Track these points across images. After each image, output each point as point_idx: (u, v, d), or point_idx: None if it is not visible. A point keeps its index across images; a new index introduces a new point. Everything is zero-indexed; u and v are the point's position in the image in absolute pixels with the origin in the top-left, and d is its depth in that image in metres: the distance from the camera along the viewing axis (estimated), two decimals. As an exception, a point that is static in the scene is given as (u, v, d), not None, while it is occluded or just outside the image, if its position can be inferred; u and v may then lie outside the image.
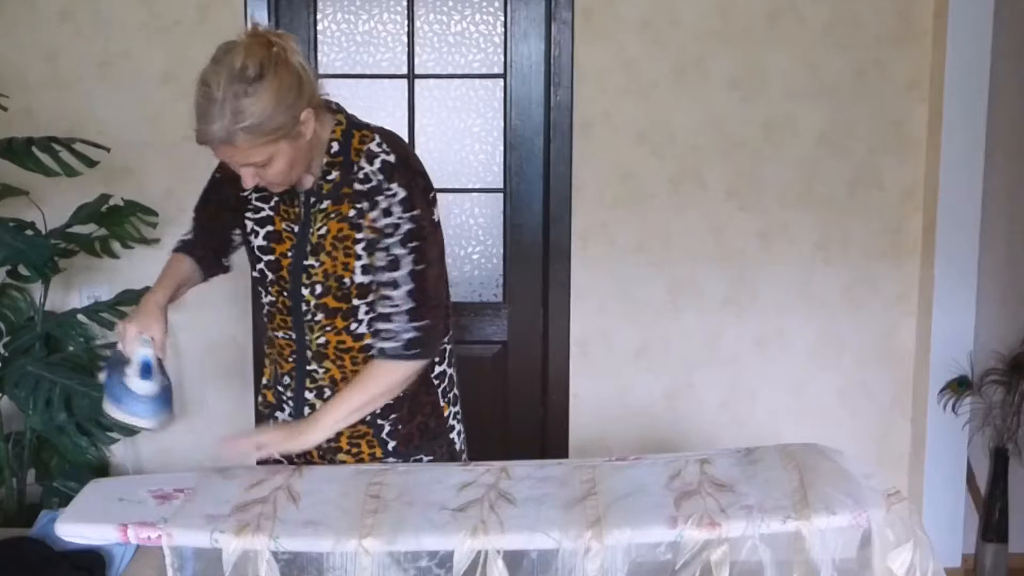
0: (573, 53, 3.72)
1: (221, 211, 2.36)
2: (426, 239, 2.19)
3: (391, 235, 2.17)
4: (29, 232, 3.32)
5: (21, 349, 3.45)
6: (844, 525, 1.94)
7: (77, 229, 3.45)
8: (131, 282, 3.59)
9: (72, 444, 3.41)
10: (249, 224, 2.31)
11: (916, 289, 3.93)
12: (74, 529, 1.95)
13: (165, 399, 2.20)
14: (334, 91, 3.76)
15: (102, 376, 2.23)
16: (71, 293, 3.71)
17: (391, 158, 2.19)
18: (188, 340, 3.77)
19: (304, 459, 2.32)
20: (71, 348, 3.55)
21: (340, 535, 1.88)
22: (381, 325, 2.19)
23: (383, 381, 2.22)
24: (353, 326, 2.25)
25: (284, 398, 2.37)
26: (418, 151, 3.79)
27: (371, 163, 2.18)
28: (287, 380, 2.34)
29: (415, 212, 2.18)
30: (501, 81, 3.81)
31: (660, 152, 3.80)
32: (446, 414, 2.43)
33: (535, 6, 3.73)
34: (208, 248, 2.40)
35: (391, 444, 2.34)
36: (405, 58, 3.79)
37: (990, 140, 3.80)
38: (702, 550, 1.90)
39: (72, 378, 3.37)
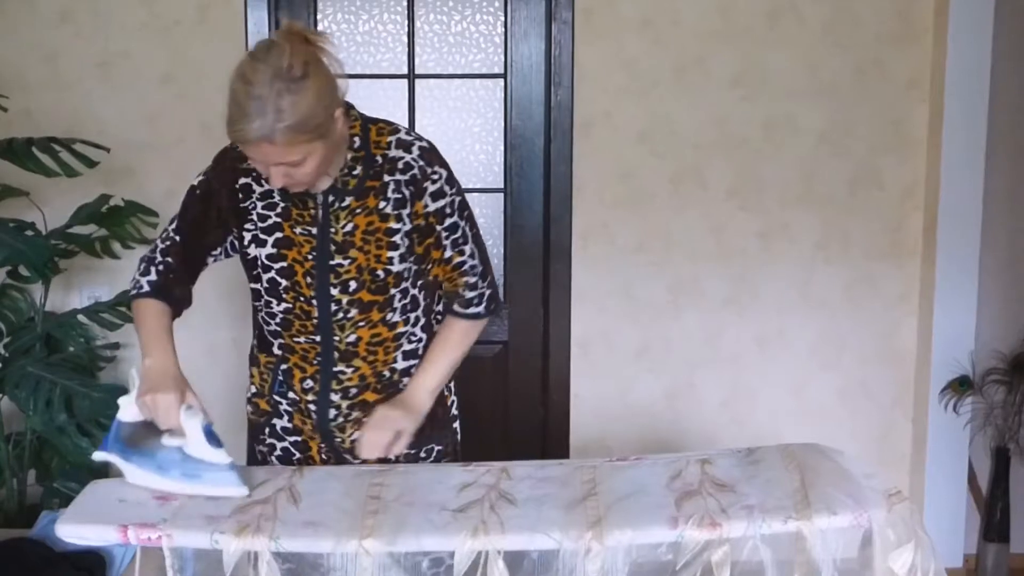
0: (573, 53, 3.72)
1: (213, 227, 2.27)
2: (470, 207, 2.35)
3: (451, 214, 2.28)
4: (29, 232, 3.32)
5: (21, 350, 3.45)
6: (845, 525, 1.93)
7: (77, 229, 3.45)
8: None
9: (73, 445, 3.40)
10: (250, 235, 2.26)
11: (917, 288, 3.93)
12: (74, 530, 1.94)
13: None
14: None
15: (125, 462, 2.08)
16: (71, 294, 3.71)
17: (424, 143, 2.27)
18: (186, 341, 3.74)
19: (308, 460, 2.33)
20: (71, 349, 3.54)
21: (340, 536, 1.88)
22: (469, 293, 2.34)
23: (467, 340, 2.39)
24: (389, 316, 2.28)
25: (304, 402, 2.34)
26: (418, 151, 3.80)
27: (408, 151, 2.24)
28: (309, 384, 2.32)
29: (458, 185, 2.31)
30: (501, 81, 3.81)
31: (660, 152, 3.79)
32: (449, 403, 2.47)
33: (535, 6, 3.73)
34: (182, 280, 2.28)
35: None
36: (405, 58, 3.79)
37: (991, 139, 3.79)
38: (703, 550, 1.90)
39: (72, 379, 3.36)
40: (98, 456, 2.11)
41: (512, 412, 3.94)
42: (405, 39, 3.78)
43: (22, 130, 3.40)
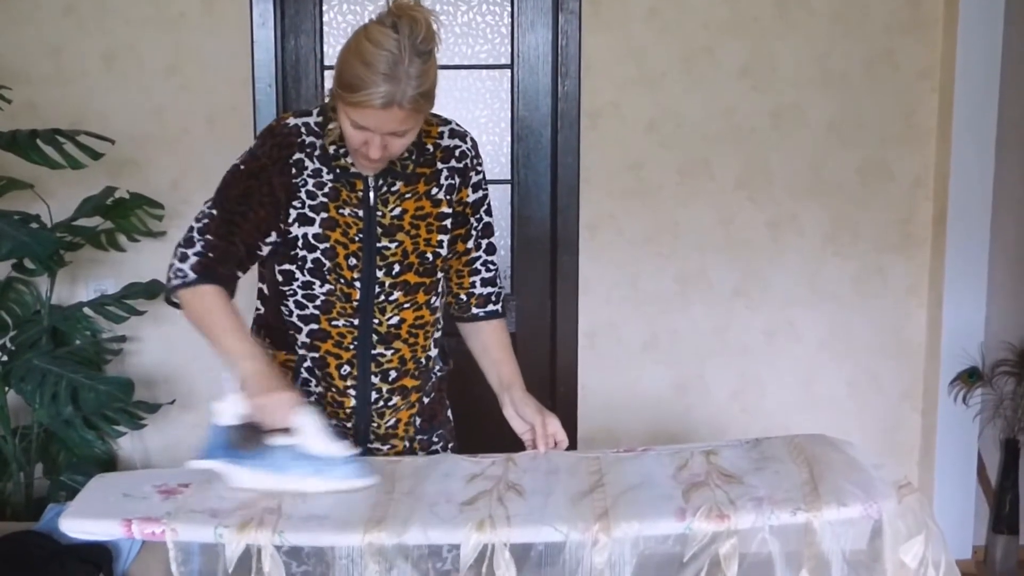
0: (581, 43, 3.70)
1: (259, 204, 2.18)
2: None
3: (484, 209, 2.38)
4: (34, 225, 3.31)
5: (27, 343, 3.45)
6: (855, 517, 1.92)
7: (82, 222, 3.44)
8: (137, 275, 3.58)
9: (79, 438, 3.40)
10: (296, 212, 2.21)
11: (926, 280, 3.91)
12: (78, 525, 1.93)
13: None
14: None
15: (233, 467, 2.02)
16: (77, 287, 3.71)
17: (472, 135, 2.36)
18: (194, 333, 3.74)
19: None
20: (78, 342, 3.54)
21: (346, 530, 1.87)
22: (490, 289, 2.42)
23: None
24: (433, 299, 2.32)
25: (346, 389, 2.30)
26: (425, 143, 3.79)
27: (463, 141, 2.33)
28: (347, 369, 2.28)
29: (487, 184, 2.40)
30: (508, 72, 3.79)
31: (668, 142, 3.78)
32: (443, 391, 2.51)
33: (542, -4, 3.72)
34: (224, 258, 2.15)
35: (418, 421, 2.39)
36: (411, 49, 3.77)
37: (1001, 130, 3.77)
38: (711, 543, 1.89)
39: (78, 372, 3.36)
40: (196, 465, 2.04)
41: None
42: (411, 30, 3.76)
43: (27, 123, 3.39)
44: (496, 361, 2.42)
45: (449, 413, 2.54)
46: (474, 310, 2.42)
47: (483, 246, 2.39)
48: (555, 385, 3.90)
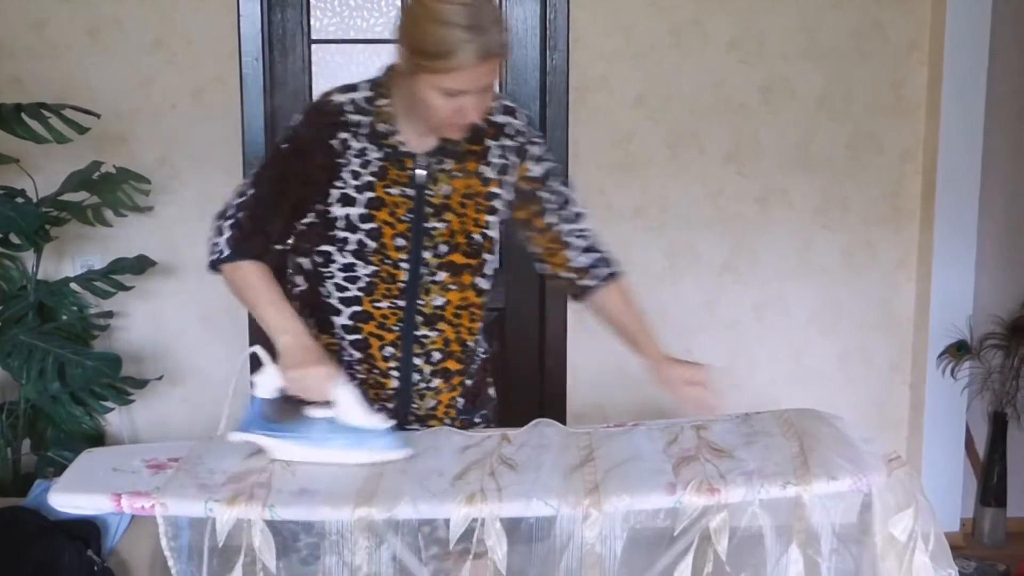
0: (569, 16, 3.68)
1: (299, 183, 2.15)
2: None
3: (555, 176, 2.30)
4: (20, 200, 3.30)
5: (14, 318, 3.43)
6: (845, 490, 1.92)
7: (69, 197, 3.42)
8: (124, 250, 3.57)
9: (66, 413, 3.39)
10: (338, 192, 2.15)
11: (915, 253, 3.92)
12: (67, 499, 1.92)
13: None
14: (327, 56, 3.77)
15: (271, 439, 2.01)
16: (64, 262, 3.68)
17: (526, 111, 2.28)
18: (182, 308, 3.74)
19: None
20: (64, 317, 3.52)
21: (336, 504, 1.86)
22: (593, 256, 2.33)
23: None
24: (479, 281, 2.25)
25: (388, 370, 2.26)
26: (413, 116, 3.77)
27: (515, 117, 2.25)
28: (390, 351, 2.23)
29: (551, 152, 2.32)
30: (496, 45, 3.76)
31: (657, 116, 3.76)
32: (487, 370, 2.46)
33: (530, -32, 3.69)
34: (255, 231, 2.14)
35: (461, 403, 2.35)
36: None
37: (990, 103, 3.77)
38: (701, 516, 1.89)
39: (65, 347, 3.35)
40: (237, 437, 2.03)
41: (508, 379, 3.91)
42: (399, 3, 3.74)
43: (11, 97, 3.36)
44: (633, 327, 2.35)
45: (492, 391, 2.48)
46: (581, 282, 2.34)
47: (565, 216, 2.31)
48: (544, 360, 3.90)
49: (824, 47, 3.77)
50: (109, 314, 3.64)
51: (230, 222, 2.14)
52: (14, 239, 3.36)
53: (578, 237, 2.32)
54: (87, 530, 2.79)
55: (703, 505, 1.88)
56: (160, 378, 3.62)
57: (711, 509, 1.88)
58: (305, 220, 2.17)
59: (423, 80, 2.01)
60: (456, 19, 1.94)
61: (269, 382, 2.04)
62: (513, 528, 1.89)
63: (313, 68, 3.75)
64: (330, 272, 2.19)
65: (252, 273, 2.12)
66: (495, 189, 2.21)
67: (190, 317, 3.77)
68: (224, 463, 1.99)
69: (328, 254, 2.18)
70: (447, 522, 1.87)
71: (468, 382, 2.35)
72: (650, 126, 3.77)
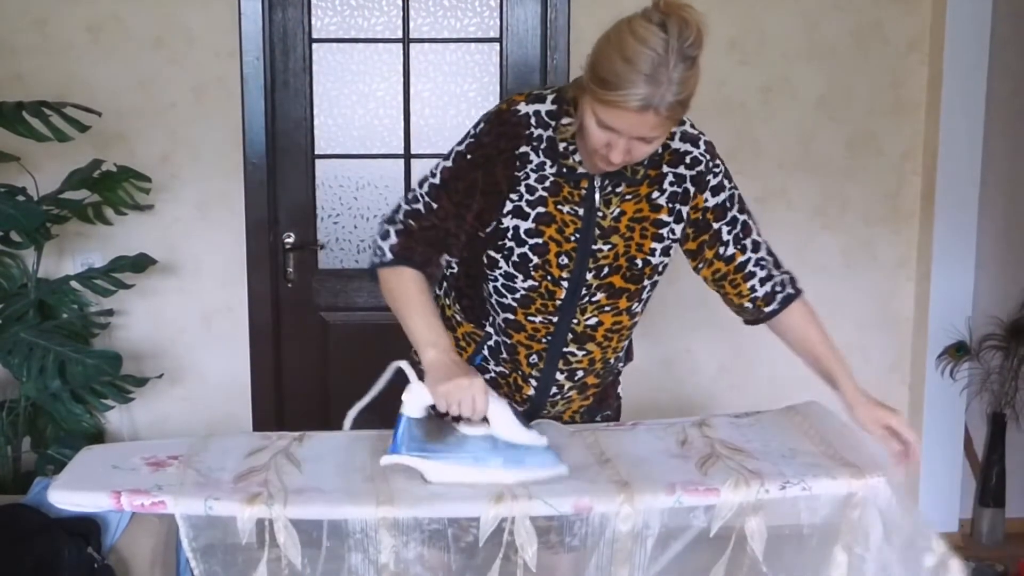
0: (570, 16, 3.68)
1: (478, 194, 2.11)
2: (747, 203, 2.27)
3: (731, 208, 2.21)
4: (21, 198, 3.29)
5: (14, 316, 3.43)
6: (851, 491, 1.94)
7: (69, 195, 3.42)
8: (125, 249, 3.57)
9: (67, 411, 3.39)
10: (512, 205, 2.10)
11: (915, 254, 3.92)
12: (67, 497, 1.92)
13: None
14: (328, 55, 3.77)
15: (427, 460, 1.92)
16: (64, 260, 3.69)
17: (707, 138, 2.21)
18: (182, 307, 3.75)
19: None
20: (65, 315, 3.52)
21: (358, 503, 1.85)
22: (770, 285, 2.28)
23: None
24: (634, 306, 2.22)
25: (529, 376, 2.24)
26: (413, 116, 3.77)
27: (696, 145, 2.17)
28: (535, 359, 2.22)
29: (733, 180, 2.25)
30: (497, 45, 3.77)
31: (657, 116, 3.76)
32: (618, 374, 2.45)
33: (531, -32, 3.70)
34: (424, 242, 2.11)
35: (586, 407, 2.36)
36: (400, 22, 3.75)
37: (990, 103, 3.77)
38: (738, 515, 1.89)
39: (66, 345, 3.35)
40: (388, 461, 1.93)
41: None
42: (400, 2, 3.74)
43: (12, 95, 3.36)
44: (812, 351, 2.36)
45: (620, 390, 2.48)
46: (767, 309, 2.30)
47: (749, 247, 2.24)
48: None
49: (824, 47, 3.77)
50: (109, 312, 3.64)
51: (399, 227, 2.11)
52: (15, 237, 3.36)
53: (759, 267, 2.27)
54: (87, 527, 2.80)
55: (739, 502, 1.88)
56: (160, 376, 3.62)
57: (747, 508, 1.89)
58: (487, 231, 2.13)
59: (588, 101, 1.96)
60: (638, 61, 1.87)
61: (417, 400, 1.95)
62: (544, 526, 1.90)
63: (314, 67, 3.75)
64: (494, 276, 2.17)
65: (410, 281, 2.09)
66: (665, 216, 2.16)
67: (190, 315, 3.77)
68: (228, 461, 1.99)
69: (495, 260, 2.15)
70: (475, 521, 1.85)
71: (599, 390, 2.35)
72: (650, 126, 3.76)
